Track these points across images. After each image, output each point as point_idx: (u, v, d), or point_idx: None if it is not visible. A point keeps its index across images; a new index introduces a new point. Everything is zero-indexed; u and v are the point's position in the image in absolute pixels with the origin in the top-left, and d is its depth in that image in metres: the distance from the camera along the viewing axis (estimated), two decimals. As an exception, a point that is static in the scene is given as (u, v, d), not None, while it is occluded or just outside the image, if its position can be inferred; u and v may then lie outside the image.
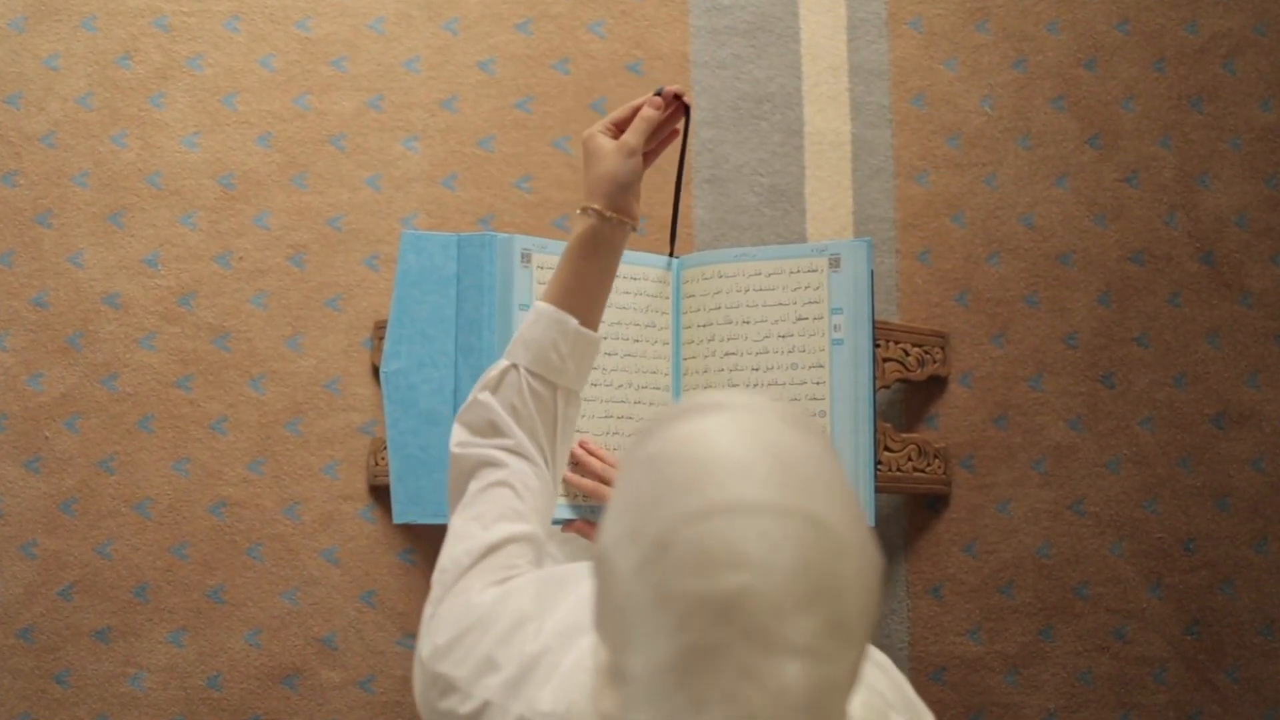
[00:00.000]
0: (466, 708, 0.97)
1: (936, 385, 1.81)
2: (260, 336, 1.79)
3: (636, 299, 1.59)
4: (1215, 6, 1.86)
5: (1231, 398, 1.80)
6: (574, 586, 1.02)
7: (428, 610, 1.06)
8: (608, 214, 1.19)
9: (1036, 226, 1.83)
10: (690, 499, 0.74)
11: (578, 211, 1.21)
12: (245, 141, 1.82)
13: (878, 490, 1.56)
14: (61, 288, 1.78)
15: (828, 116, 1.85)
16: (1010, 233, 1.83)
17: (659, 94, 1.24)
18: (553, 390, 1.18)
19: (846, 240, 1.61)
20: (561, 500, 1.48)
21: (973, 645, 1.77)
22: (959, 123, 1.85)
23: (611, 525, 0.79)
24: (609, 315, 1.50)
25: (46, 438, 1.76)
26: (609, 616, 0.78)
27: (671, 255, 1.61)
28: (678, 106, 1.27)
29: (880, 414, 1.76)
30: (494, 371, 1.18)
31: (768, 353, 1.58)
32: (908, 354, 1.75)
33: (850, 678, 0.75)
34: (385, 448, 1.65)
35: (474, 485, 1.13)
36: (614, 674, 0.79)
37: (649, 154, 1.27)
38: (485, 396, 1.17)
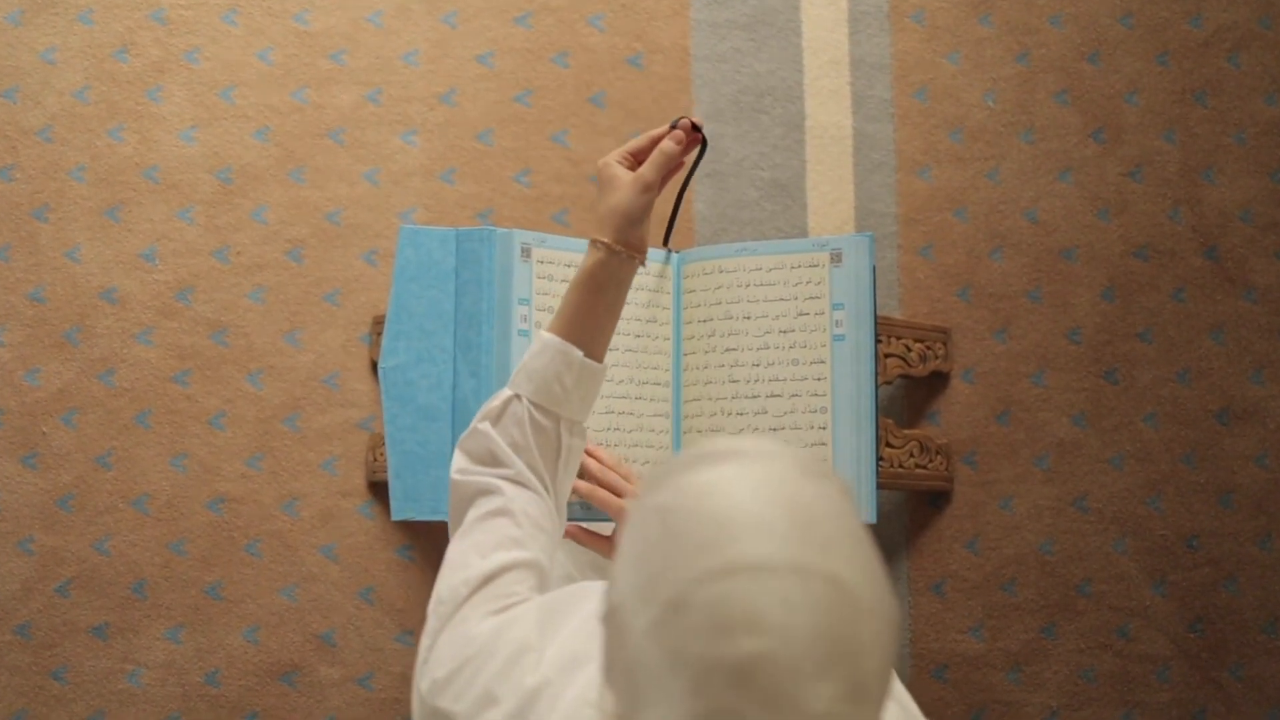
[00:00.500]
0: None
1: (938, 381, 1.80)
2: (258, 332, 1.78)
3: (637, 294, 1.58)
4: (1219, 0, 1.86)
5: (1235, 394, 1.79)
6: (576, 610, 1.00)
7: (425, 642, 1.05)
8: (616, 248, 1.18)
9: (1039, 221, 1.82)
10: (705, 558, 0.72)
11: (588, 242, 1.20)
12: (243, 135, 1.81)
13: (879, 487, 1.55)
14: (58, 283, 1.78)
15: (829, 110, 1.84)
16: (1013, 227, 1.82)
17: (675, 126, 1.23)
18: (556, 421, 1.18)
19: (848, 235, 1.60)
20: None
21: (975, 643, 1.76)
22: (961, 117, 1.84)
23: (622, 579, 0.77)
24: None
25: (43, 433, 1.75)
26: (620, 672, 0.76)
27: (666, 247, 1.60)
28: (694, 137, 1.25)
29: (882, 410, 1.75)
30: (496, 401, 1.18)
31: (768, 348, 1.57)
32: (909, 349, 1.74)
33: None
34: (384, 444, 1.64)
35: (472, 513, 1.12)
36: None
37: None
38: (485, 426, 1.16)
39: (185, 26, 1.82)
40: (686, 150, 1.24)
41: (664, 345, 1.60)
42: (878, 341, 1.61)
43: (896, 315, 1.80)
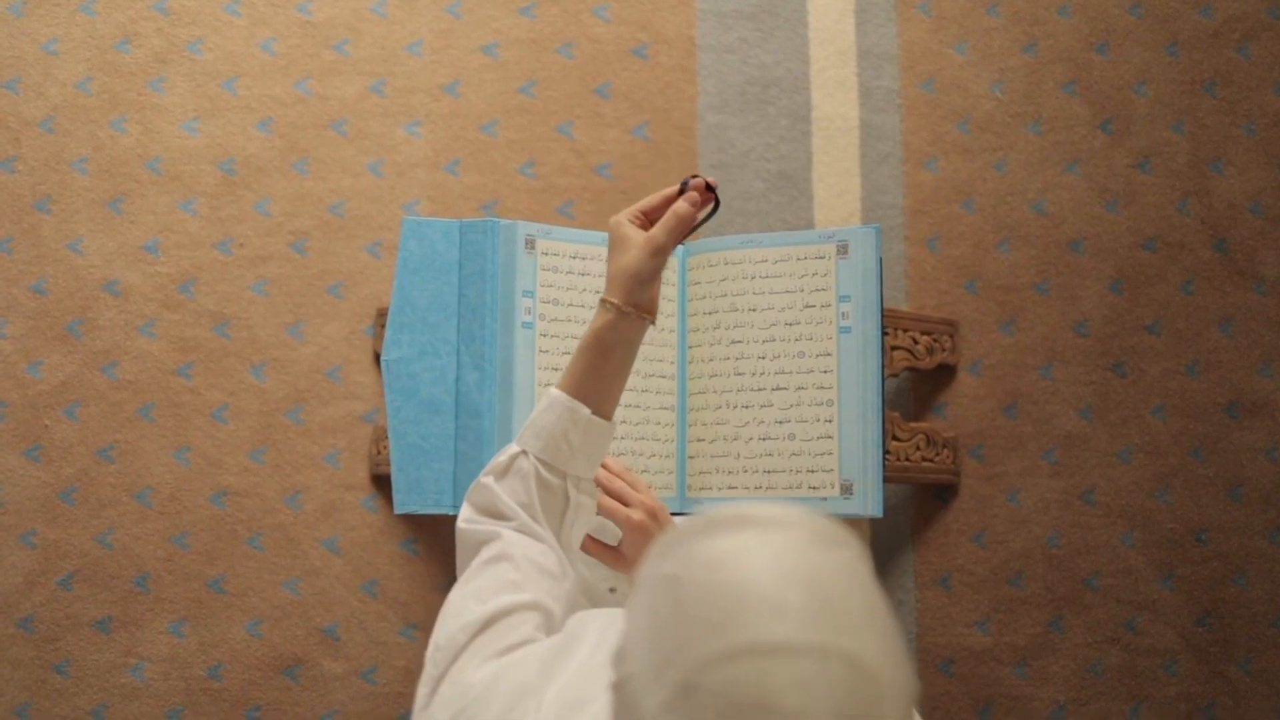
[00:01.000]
0: None
1: (945, 374, 1.79)
2: (261, 324, 1.77)
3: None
4: (1230, -11, 1.84)
5: (1244, 386, 1.78)
6: (579, 647, 0.98)
7: (423, 690, 1.03)
8: (626, 309, 1.17)
9: (1047, 213, 1.81)
10: (717, 639, 0.69)
11: (598, 301, 1.19)
12: (246, 127, 1.80)
13: (886, 480, 1.54)
14: (61, 275, 1.77)
15: (836, 101, 1.83)
16: (1020, 219, 1.81)
17: (686, 185, 1.20)
18: (563, 478, 1.18)
19: (854, 227, 1.59)
20: None
21: (981, 636, 1.75)
22: (969, 108, 1.83)
23: (633, 654, 0.75)
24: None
25: (46, 426, 1.75)
26: None
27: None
28: (707, 197, 1.23)
29: (888, 403, 1.74)
30: (503, 457, 1.18)
31: (774, 341, 1.56)
32: (916, 342, 1.73)
33: None
34: (387, 436, 1.64)
35: (475, 562, 1.12)
36: None
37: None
38: (489, 481, 1.17)
39: (188, 17, 1.82)
40: (699, 207, 1.22)
41: (669, 338, 1.60)
42: (884, 334, 1.60)
43: (903, 307, 1.79)
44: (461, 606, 1.07)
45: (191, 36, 1.81)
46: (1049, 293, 1.79)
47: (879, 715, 0.69)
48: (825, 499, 1.52)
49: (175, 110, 1.80)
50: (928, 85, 1.83)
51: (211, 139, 1.80)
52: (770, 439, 1.55)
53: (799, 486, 1.53)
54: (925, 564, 1.77)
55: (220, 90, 1.81)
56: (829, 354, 1.54)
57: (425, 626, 1.73)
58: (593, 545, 1.35)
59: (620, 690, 0.76)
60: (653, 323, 1.20)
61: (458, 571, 1.15)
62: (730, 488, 1.55)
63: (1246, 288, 1.80)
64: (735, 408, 1.56)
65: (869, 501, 1.50)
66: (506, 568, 1.10)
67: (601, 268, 1.56)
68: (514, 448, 1.18)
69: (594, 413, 1.17)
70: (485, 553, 1.12)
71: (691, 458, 1.58)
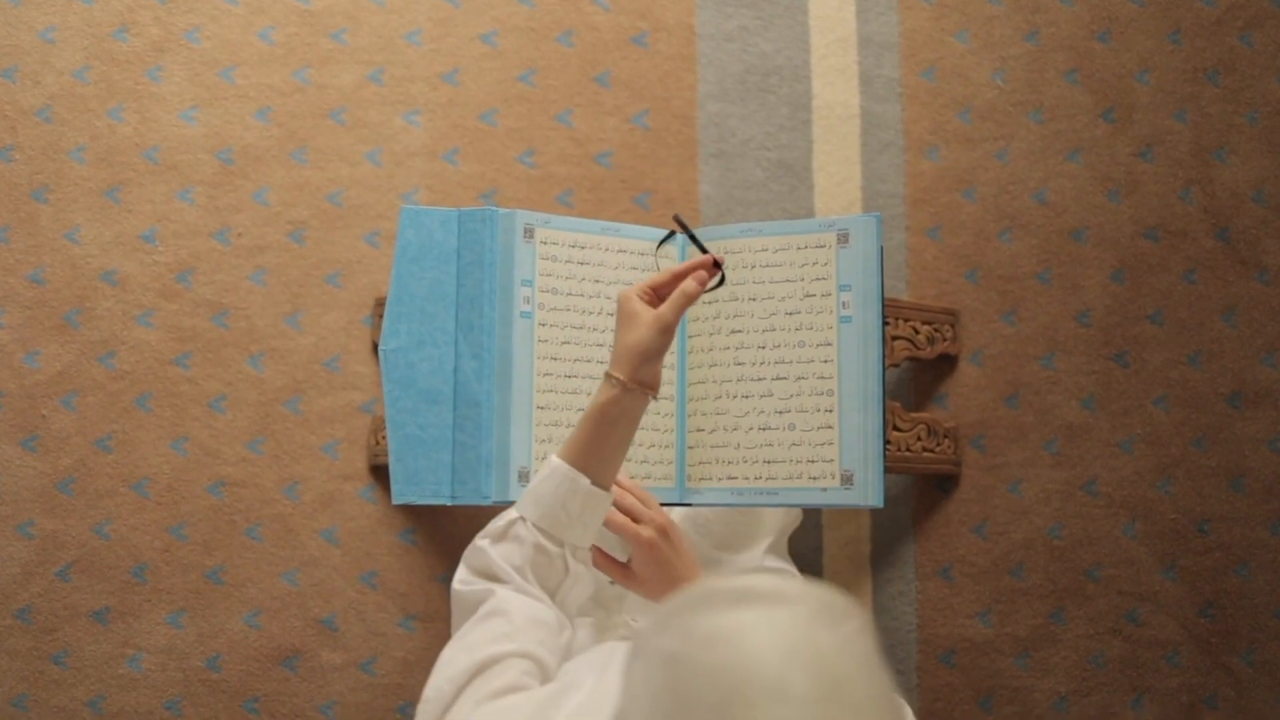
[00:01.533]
0: None
1: (946, 364, 1.78)
2: (259, 314, 1.76)
3: (641, 275, 1.56)
4: (1233, -23, 1.83)
5: (1247, 376, 1.77)
6: (575, 694, 0.97)
7: None
8: (631, 385, 1.19)
9: (1049, 202, 1.80)
10: None
11: (603, 376, 1.21)
12: (244, 116, 1.79)
13: (886, 470, 1.53)
14: (58, 264, 1.76)
15: (836, 90, 1.82)
16: (1022, 208, 1.80)
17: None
18: (560, 544, 1.18)
19: (855, 216, 1.58)
20: None
21: (982, 627, 1.75)
22: (970, 96, 1.82)
23: None
24: (613, 291, 1.48)
25: (43, 416, 1.74)
26: None
27: (671, 230, 1.58)
28: (713, 272, 1.27)
29: (889, 393, 1.74)
30: (500, 522, 1.19)
31: (774, 330, 1.55)
32: (917, 332, 1.72)
33: None
34: (385, 427, 1.63)
35: (470, 620, 1.13)
36: None
37: None
38: (485, 544, 1.18)
39: (185, 5, 1.81)
40: (704, 285, 1.26)
41: (669, 327, 1.59)
42: (885, 324, 1.59)
43: (904, 297, 1.78)
44: (451, 659, 1.08)
45: (189, 25, 1.80)
46: (1050, 282, 1.79)
47: None
48: (825, 489, 1.51)
49: (173, 99, 1.79)
50: (929, 73, 1.82)
51: (209, 128, 1.79)
52: (770, 429, 1.54)
53: (799, 477, 1.53)
54: (926, 555, 1.76)
55: (218, 79, 1.80)
56: (829, 344, 1.53)
57: (424, 617, 1.73)
58: (602, 560, 1.35)
59: None
60: (655, 398, 1.22)
61: (452, 632, 1.16)
62: (730, 478, 1.55)
63: (1249, 277, 1.79)
64: (735, 398, 1.55)
65: (870, 492, 1.49)
66: (500, 622, 1.11)
67: (601, 257, 1.55)
68: (511, 513, 1.19)
69: (593, 483, 1.19)
70: (482, 610, 1.13)
71: (691, 448, 1.58)
